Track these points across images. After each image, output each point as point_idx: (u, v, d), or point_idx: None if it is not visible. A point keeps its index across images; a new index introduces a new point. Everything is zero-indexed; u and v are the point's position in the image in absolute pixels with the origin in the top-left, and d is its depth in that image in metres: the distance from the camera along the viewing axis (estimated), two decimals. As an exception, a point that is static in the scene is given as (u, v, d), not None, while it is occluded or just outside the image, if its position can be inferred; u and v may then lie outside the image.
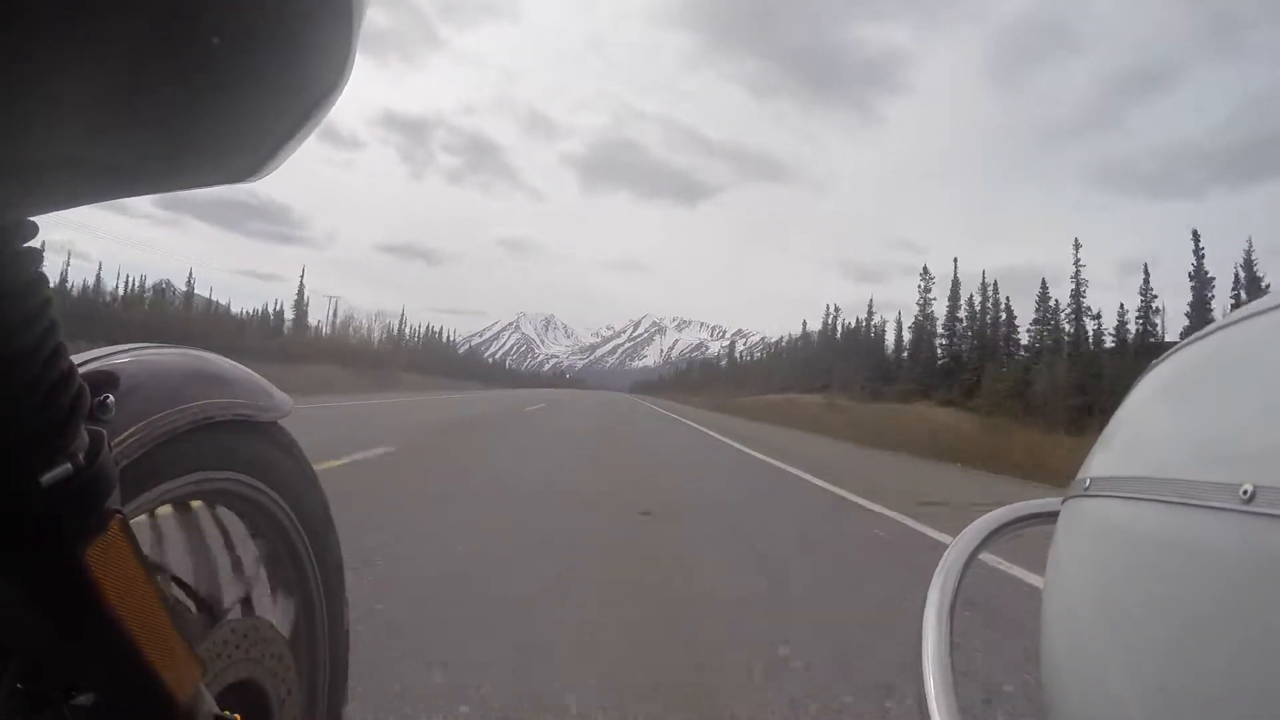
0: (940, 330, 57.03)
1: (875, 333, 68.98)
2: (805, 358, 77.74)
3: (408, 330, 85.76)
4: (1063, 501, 0.51)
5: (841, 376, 62.09)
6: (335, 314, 57.03)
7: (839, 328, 74.99)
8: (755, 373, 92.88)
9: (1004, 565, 2.91)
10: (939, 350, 56.41)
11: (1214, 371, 0.41)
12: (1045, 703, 0.45)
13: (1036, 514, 0.60)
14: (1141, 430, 0.46)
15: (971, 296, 56.66)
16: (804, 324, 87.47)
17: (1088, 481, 0.45)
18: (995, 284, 55.34)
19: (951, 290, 57.12)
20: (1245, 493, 0.30)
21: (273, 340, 38.00)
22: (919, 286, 61.00)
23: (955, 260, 57.57)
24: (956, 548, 0.58)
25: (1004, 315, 54.02)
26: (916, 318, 60.81)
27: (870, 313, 71.14)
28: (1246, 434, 0.33)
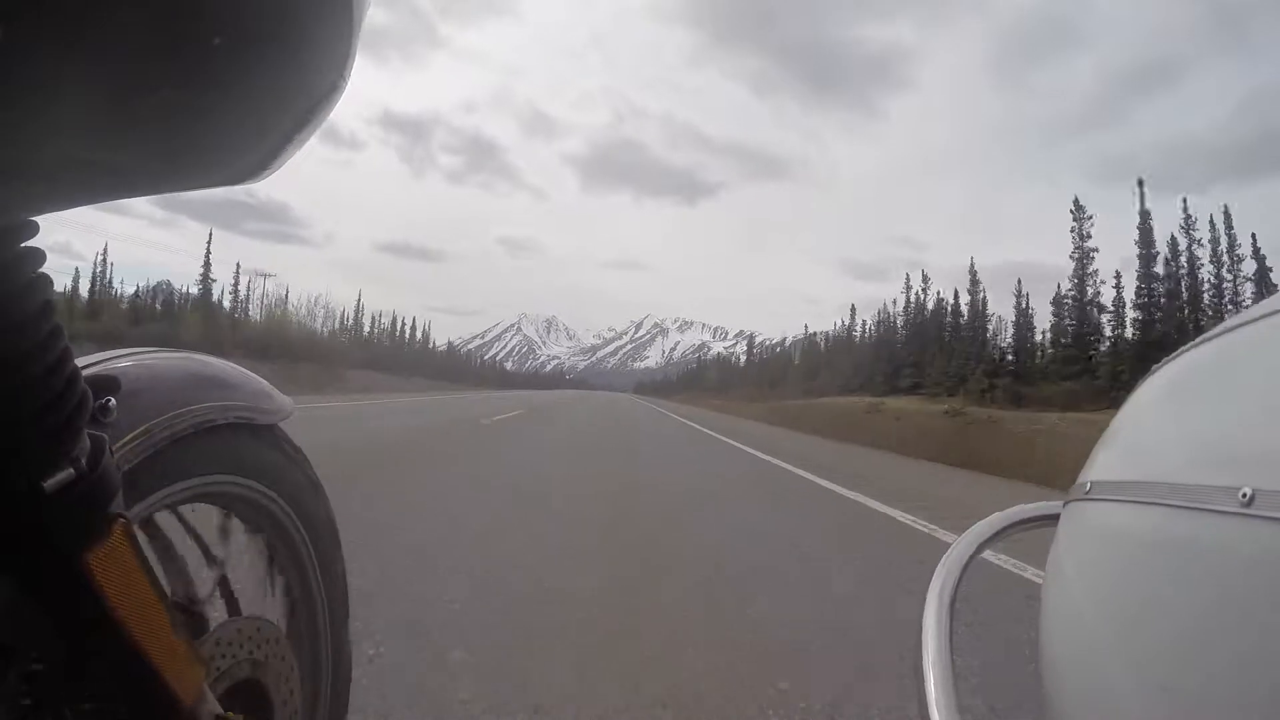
0: (1131, 300, 38.20)
1: (978, 316, 52.01)
2: (877, 346, 60.67)
3: (367, 321, 74.18)
4: (1064, 504, 0.51)
5: (939, 374, 47.45)
6: (267, 297, 49.07)
7: (924, 308, 56.22)
8: (791, 371, 78.50)
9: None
10: (1130, 328, 38.59)
11: (1214, 375, 0.41)
12: (1046, 705, 0.45)
13: (1037, 517, 0.60)
14: (1142, 434, 0.46)
15: (1175, 237, 37.07)
16: (853, 308, 71.46)
17: (1088, 485, 0.45)
18: (1226, 213, 35.00)
19: (1141, 237, 37.49)
20: (1244, 496, 0.30)
21: (148, 326, 31.80)
22: (1073, 230, 41.04)
23: (1140, 184, 36.91)
24: (957, 549, 0.58)
25: (1253, 259, 33.93)
26: (1066, 291, 41.46)
27: (975, 283, 52.40)
28: (1246, 437, 0.33)
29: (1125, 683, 0.36)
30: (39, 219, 0.34)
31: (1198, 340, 0.44)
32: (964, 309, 54.81)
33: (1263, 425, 0.33)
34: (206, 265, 44.24)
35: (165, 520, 0.55)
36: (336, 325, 60.82)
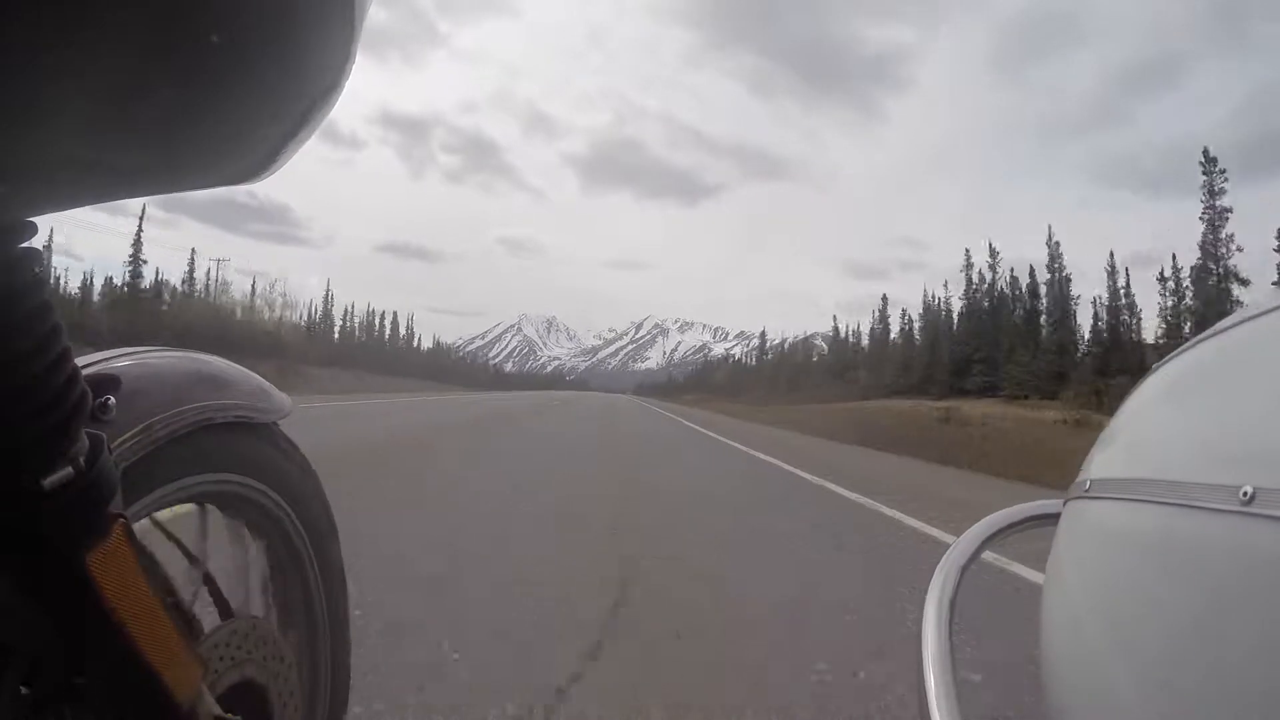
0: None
1: (1060, 300, 42.15)
2: (931, 340, 49.70)
3: (339, 314, 67.85)
4: (1063, 503, 0.51)
5: (1024, 371, 36.84)
6: (224, 286, 44.36)
7: (990, 292, 46.12)
8: (813, 370, 69.94)
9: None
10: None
11: (1214, 374, 0.41)
12: (1046, 704, 0.45)
13: (1037, 516, 0.60)
14: (1142, 432, 0.46)
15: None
16: (884, 299, 60.85)
17: (1088, 483, 0.45)
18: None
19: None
20: (1245, 494, 0.30)
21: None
22: (1202, 187, 33.21)
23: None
24: (957, 549, 0.58)
25: None
26: (1193, 264, 33.70)
27: (1055, 259, 41.31)
28: (1246, 436, 0.33)
29: (1125, 681, 0.36)
30: (39, 219, 0.34)
31: (1199, 337, 0.44)
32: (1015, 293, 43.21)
33: (1263, 423, 0.33)
34: (137, 248, 38.47)
35: (164, 519, 0.55)
36: (304, 318, 56.24)
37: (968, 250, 50.25)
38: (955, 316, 49.99)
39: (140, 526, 0.50)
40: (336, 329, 66.88)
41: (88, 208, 0.37)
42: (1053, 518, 0.53)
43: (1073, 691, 0.41)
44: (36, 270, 0.34)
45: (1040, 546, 0.53)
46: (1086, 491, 0.45)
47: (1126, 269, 42.04)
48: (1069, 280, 43.34)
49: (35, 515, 0.34)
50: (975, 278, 48.05)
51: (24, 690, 0.39)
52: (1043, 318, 43.54)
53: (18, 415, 0.34)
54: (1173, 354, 0.47)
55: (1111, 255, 42.19)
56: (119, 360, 0.52)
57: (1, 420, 0.33)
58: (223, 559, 0.61)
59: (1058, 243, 43.63)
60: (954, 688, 0.48)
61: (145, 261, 39.32)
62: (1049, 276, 43.88)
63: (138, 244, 38.56)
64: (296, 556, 0.67)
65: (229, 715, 0.46)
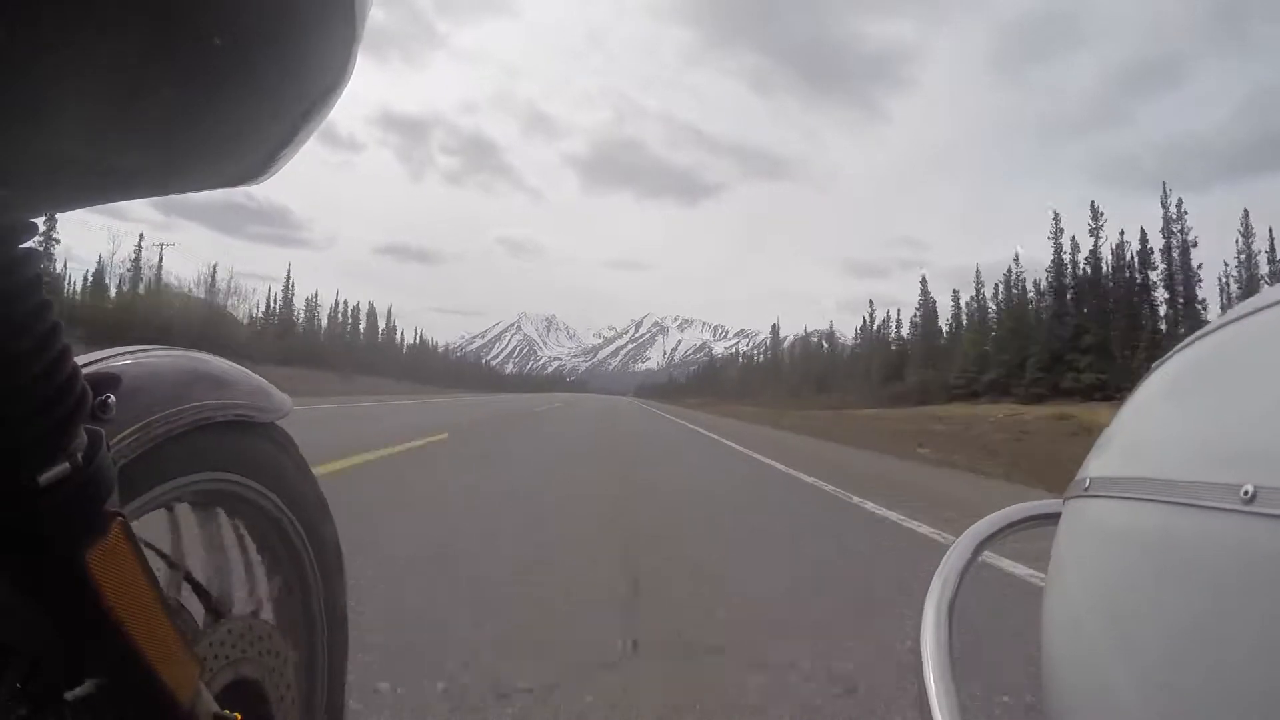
0: None
1: (1180, 271, 32.91)
2: (1014, 326, 40.03)
3: (301, 307, 61.79)
4: (1063, 502, 0.50)
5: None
6: (167, 275, 40.51)
7: (1095, 263, 35.93)
8: (841, 367, 61.33)
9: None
10: None
11: (1215, 370, 0.40)
12: (1046, 704, 0.45)
13: (1038, 515, 0.59)
14: (1142, 430, 0.46)
15: None
16: (923, 280, 52.78)
17: (1088, 482, 0.45)
18: None
19: None
20: (1246, 493, 0.30)
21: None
22: None
23: None
24: (957, 549, 0.58)
25: None
26: None
27: (1176, 221, 31.67)
28: (1247, 434, 0.33)
29: (1125, 681, 0.36)
30: (39, 219, 0.34)
31: (1199, 333, 0.44)
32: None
33: (1264, 421, 0.33)
34: (49, 224, 32.62)
35: (163, 518, 0.55)
36: (258, 309, 51.42)
37: (1056, 213, 41.87)
38: (1041, 295, 39.68)
39: (138, 525, 0.50)
40: (299, 322, 60.47)
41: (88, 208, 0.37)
42: (1053, 517, 0.53)
43: (1073, 691, 0.41)
44: (36, 270, 0.34)
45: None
46: (1086, 490, 0.45)
47: (1270, 230, 32.70)
48: (1194, 245, 33.39)
49: (34, 514, 0.34)
50: (1067, 244, 37.39)
51: (23, 689, 0.39)
52: (1159, 291, 34.52)
53: (18, 414, 0.34)
54: (1173, 351, 0.47)
55: (1246, 214, 33.82)
56: (118, 359, 0.52)
57: (1, 420, 0.33)
58: (221, 558, 0.61)
59: (1179, 199, 34.16)
60: (954, 689, 0.48)
61: (58, 241, 35.44)
62: (1164, 242, 33.91)
63: (50, 222, 32.71)
64: (294, 555, 0.67)
65: (228, 713, 0.46)
